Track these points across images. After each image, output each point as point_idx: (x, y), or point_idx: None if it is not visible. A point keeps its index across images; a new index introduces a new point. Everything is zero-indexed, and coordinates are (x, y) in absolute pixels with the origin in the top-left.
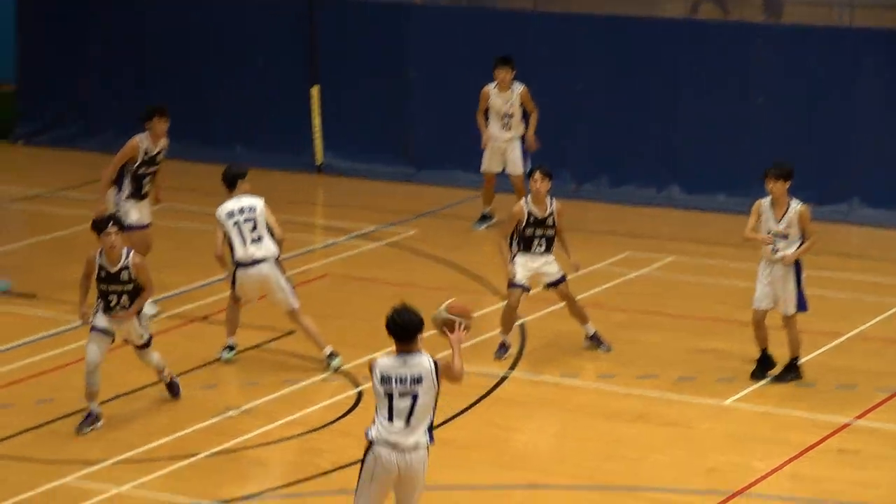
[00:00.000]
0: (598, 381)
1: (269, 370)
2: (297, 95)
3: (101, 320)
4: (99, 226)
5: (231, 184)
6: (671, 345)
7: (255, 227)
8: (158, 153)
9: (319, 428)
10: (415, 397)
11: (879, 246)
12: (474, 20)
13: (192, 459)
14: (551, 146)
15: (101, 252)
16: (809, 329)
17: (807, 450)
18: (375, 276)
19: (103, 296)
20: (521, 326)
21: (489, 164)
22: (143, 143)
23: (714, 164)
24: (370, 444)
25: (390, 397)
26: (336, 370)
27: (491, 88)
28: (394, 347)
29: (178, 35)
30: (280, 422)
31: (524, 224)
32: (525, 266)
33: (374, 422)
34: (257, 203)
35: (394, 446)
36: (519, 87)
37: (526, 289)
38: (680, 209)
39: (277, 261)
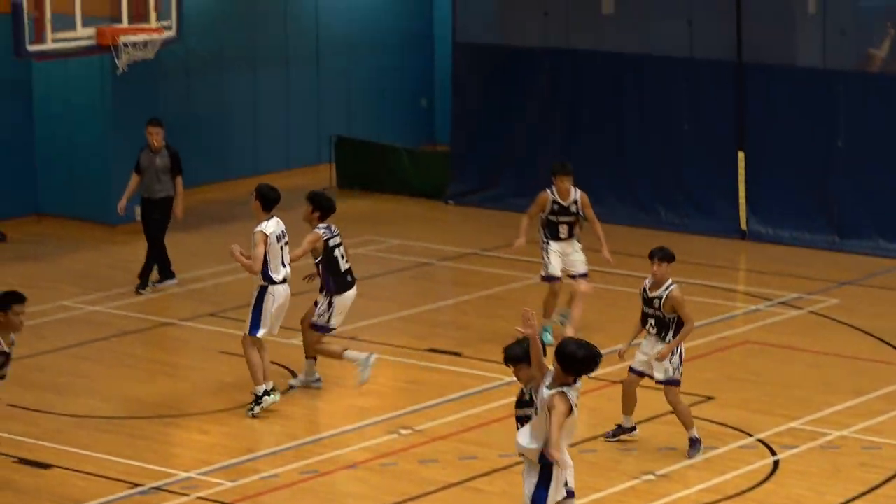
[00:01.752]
0: None
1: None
2: (722, 160)
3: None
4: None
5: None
6: None
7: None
8: (570, 205)
9: (734, 496)
10: None
11: None
12: None
13: None
14: None
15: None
16: None
17: None
18: (795, 344)
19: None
20: None
21: None
22: (551, 195)
23: None
24: None
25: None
26: (262, 408)
27: None
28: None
29: (609, 96)
30: (695, 488)
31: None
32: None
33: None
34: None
35: None
36: None
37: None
38: None
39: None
